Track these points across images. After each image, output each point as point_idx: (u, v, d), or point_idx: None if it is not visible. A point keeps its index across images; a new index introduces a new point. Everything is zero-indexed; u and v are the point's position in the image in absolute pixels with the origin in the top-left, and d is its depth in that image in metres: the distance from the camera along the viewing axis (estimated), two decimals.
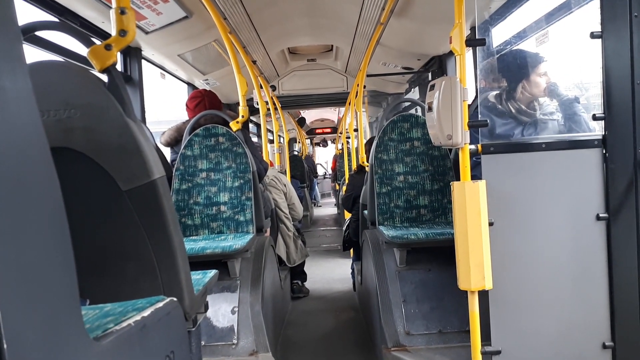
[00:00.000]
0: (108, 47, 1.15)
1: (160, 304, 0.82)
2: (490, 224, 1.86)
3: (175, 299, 0.89)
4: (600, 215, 1.88)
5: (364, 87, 4.38)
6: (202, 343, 2.29)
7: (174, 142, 3.02)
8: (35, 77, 1.15)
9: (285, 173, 5.88)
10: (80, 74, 1.17)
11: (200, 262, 2.33)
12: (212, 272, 1.64)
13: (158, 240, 1.22)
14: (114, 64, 1.17)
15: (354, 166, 5.05)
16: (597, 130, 2.01)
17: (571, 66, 2.35)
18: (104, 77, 1.21)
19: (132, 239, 1.22)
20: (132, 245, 1.23)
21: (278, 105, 5.95)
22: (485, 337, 1.89)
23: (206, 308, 1.54)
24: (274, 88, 6.12)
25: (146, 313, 0.75)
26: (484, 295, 1.90)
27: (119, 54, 3.77)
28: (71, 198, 1.22)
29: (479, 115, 2.17)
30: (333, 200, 13.02)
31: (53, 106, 1.17)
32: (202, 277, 1.56)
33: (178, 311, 0.89)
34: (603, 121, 1.88)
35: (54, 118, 1.17)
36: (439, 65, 4.35)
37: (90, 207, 1.22)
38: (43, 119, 1.16)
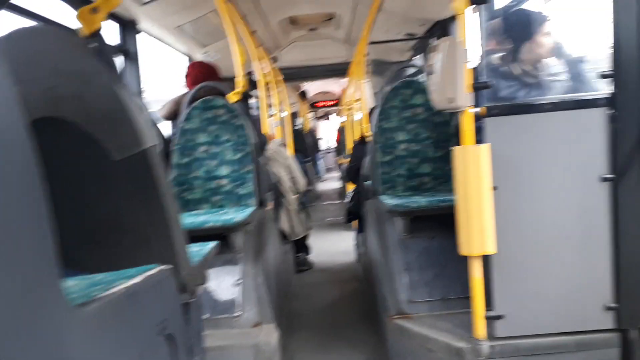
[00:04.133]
0: (94, 10, 1.11)
1: (152, 272, 0.80)
2: (494, 188, 1.83)
3: (167, 266, 0.87)
4: (606, 176, 1.84)
5: (367, 55, 4.29)
6: (207, 316, 2.31)
7: (173, 115, 2.98)
8: (23, 44, 1.12)
9: (286, 146, 5.83)
10: (68, 40, 1.12)
11: (201, 236, 2.31)
12: (212, 244, 1.62)
13: (152, 210, 1.20)
14: (101, 28, 1.12)
15: (357, 137, 5.00)
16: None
17: (577, 24, 2.27)
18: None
19: (127, 210, 1.20)
20: (127, 215, 1.21)
21: (279, 77, 5.86)
22: (488, 303, 1.88)
23: (206, 280, 1.53)
24: (275, 60, 6.01)
25: (136, 280, 0.73)
26: (485, 260, 1.89)
27: (117, 26, 3.63)
28: (64, 169, 1.20)
29: (483, 78, 2.11)
30: (337, 174, 12.98)
31: (42, 74, 1.13)
32: (201, 249, 1.55)
33: (171, 279, 0.88)
34: (610, 79, 1.83)
35: (43, 86, 1.14)
36: (442, 30, 4.23)
37: (83, 177, 1.20)
38: (32, 89, 1.12)
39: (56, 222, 1.18)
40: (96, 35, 1.11)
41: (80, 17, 1.11)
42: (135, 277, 0.74)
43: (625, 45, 1.79)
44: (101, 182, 1.19)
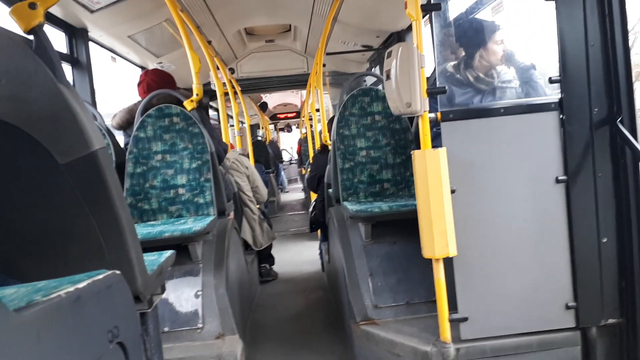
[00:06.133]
0: (32, 6, 1.05)
1: (99, 277, 0.75)
2: (452, 191, 1.85)
3: (118, 272, 0.82)
4: (560, 178, 1.90)
5: (324, 65, 4.32)
6: (166, 329, 2.22)
7: (125, 124, 2.87)
8: None
9: (247, 156, 5.77)
10: (3, 37, 1.05)
11: (159, 246, 2.23)
12: (168, 253, 1.56)
13: (103, 216, 1.13)
14: (41, 24, 1.06)
15: (318, 146, 5.00)
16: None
17: (527, 33, 2.35)
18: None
19: (75, 217, 1.13)
20: (76, 223, 1.14)
21: (237, 89, 5.81)
22: (453, 306, 1.89)
23: (163, 289, 1.47)
24: (232, 71, 5.96)
25: (81, 285, 0.68)
26: (449, 264, 1.90)
27: (64, 35, 3.49)
28: (3, 174, 1.12)
29: (438, 84, 2.15)
30: (300, 185, 12.97)
31: None
32: (157, 258, 1.49)
33: (121, 284, 0.82)
34: (559, 84, 1.90)
35: None
36: (397, 41, 4.32)
37: (26, 183, 1.12)
38: None
39: None
40: (36, 32, 1.04)
41: (14, 13, 1.04)
42: (81, 282, 0.69)
43: (570, 51, 1.87)
44: (47, 188, 1.11)
